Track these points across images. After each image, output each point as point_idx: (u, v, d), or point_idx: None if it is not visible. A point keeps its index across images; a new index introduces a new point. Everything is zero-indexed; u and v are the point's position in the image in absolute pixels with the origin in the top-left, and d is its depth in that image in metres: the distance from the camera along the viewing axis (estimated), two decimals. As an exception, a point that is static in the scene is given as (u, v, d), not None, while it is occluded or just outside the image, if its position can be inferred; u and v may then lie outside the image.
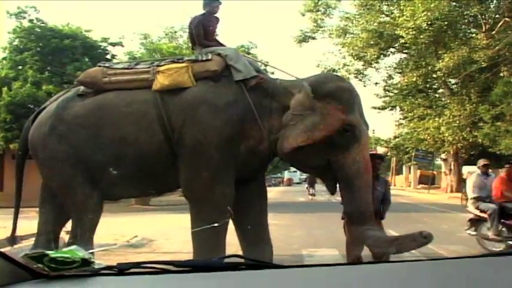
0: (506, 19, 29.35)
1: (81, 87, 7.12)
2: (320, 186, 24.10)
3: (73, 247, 2.03)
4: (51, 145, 6.92)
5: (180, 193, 8.25)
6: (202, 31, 7.39)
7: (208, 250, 6.30)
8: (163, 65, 6.88)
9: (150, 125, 6.67)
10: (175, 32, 39.11)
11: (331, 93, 6.28)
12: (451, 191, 35.75)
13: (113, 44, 29.45)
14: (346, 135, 6.17)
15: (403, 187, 51.77)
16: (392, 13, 34.42)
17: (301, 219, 17.60)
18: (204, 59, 6.91)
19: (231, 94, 6.68)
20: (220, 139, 6.51)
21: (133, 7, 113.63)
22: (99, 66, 7.25)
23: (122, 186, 6.93)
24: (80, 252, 1.96)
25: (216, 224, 6.29)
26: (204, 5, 7.50)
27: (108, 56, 28.73)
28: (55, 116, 6.99)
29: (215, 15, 7.58)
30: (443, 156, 41.38)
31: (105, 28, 75.54)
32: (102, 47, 29.13)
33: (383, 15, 35.50)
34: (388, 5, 34.84)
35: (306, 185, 34.63)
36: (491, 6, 31.37)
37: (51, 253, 1.91)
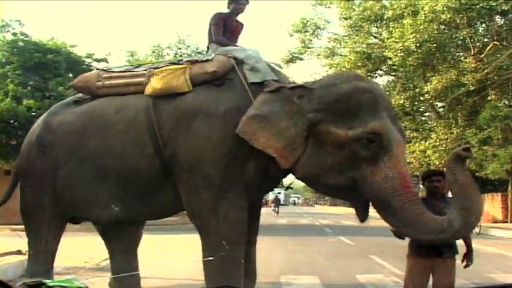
0: (495, 42, 29.35)
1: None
2: (306, 209, 23.69)
3: (69, 277, 2.08)
4: (35, 156, 6.37)
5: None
6: (222, 28, 6.59)
7: (218, 281, 5.46)
8: (162, 67, 6.09)
9: (140, 136, 5.83)
10: (162, 49, 39.07)
11: (345, 96, 5.20)
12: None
13: (98, 60, 29.13)
14: (370, 146, 5.04)
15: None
16: (381, 35, 34.41)
17: (282, 242, 17.20)
18: (204, 59, 6.10)
19: (234, 100, 5.67)
20: (219, 155, 5.57)
21: (120, 24, 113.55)
22: (97, 69, 6.68)
23: (104, 206, 6.12)
24: (77, 282, 2.00)
25: (222, 253, 5.43)
26: (228, 2, 6.76)
27: (93, 73, 28.38)
28: (43, 122, 6.46)
29: (240, 19, 6.87)
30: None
31: (90, 44, 75.42)
32: (86, 63, 28.75)
33: (371, 37, 35.48)
34: (377, 26, 34.80)
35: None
36: (480, 29, 31.39)
37: (49, 282, 1.98)
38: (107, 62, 30.05)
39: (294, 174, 5.64)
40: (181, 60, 6.29)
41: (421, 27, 27.67)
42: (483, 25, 30.99)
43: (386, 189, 4.98)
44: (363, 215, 5.41)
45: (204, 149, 5.62)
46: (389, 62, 30.71)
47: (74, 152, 6.13)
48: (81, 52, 29.27)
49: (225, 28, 6.64)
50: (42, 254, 6.37)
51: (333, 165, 5.22)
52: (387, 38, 30.74)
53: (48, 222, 6.33)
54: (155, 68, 6.09)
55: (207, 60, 6.05)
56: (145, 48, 50.37)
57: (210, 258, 5.48)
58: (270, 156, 5.39)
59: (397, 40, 28.44)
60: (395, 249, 14.86)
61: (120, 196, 6.01)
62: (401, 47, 28.13)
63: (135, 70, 6.35)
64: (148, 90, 5.92)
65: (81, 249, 12.82)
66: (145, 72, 6.10)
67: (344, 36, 36.91)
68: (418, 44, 27.87)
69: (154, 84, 5.90)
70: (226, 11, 6.79)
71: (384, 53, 30.63)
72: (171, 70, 5.95)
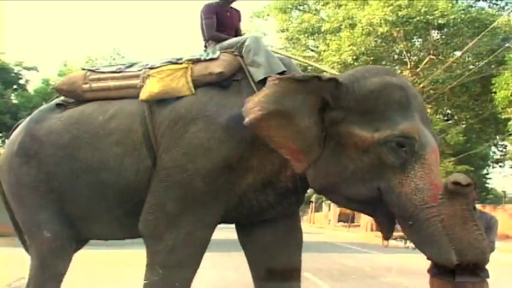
0: (431, 56, 29.68)
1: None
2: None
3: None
4: (18, 167, 5.32)
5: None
6: (215, 20, 5.59)
7: None
8: (158, 66, 5.10)
9: (136, 147, 4.92)
10: (96, 59, 38.52)
11: (374, 93, 4.34)
12: (371, 230, 35.50)
13: (28, 69, 28.08)
14: (400, 151, 4.21)
15: (322, 225, 51.81)
16: (317, 47, 34.24)
17: (213, 260, 16.42)
18: (208, 57, 5.12)
19: (240, 107, 4.59)
20: (214, 166, 4.70)
21: (54, 34, 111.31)
22: (83, 69, 5.66)
23: (102, 224, 5.28)
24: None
25: (170, 276, 4.62)
26: None
27: (22, 81, 27.77)
28: (26, 130, 5.42)
29: (234, 6, 5.89)
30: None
31: (20, 52, 73.68)
32: (15, 71, 27.65)
33: (308, 50, 35.29)
34: (314, 39, 34.66)
35: None
36: (417, 43, 31.62)
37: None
38: (37, 71, 29.26)
39: (309, 184, 4.72)
40: (181, 58, 5.23)
41: (358, 40, 27.72)
42: (420, 39, 31.17)
43: (416, 202, 4.13)
44: (388, 232, 4.58)
45: (196, 159, 4.71)
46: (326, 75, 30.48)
47: (65, 164, 5.18)
48: (10, 60, 28.37)
49: (219, 20, 5.66)
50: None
51: (355, 173, 4.34)
52: (324, 51, 30.61)
53: (49, 242, 5.30)
54: (151, 68, 5.13)
55: (211, 59, 5.11)
56: (79, 58, 49.61)
57: (155, 278, 4.70)
58: (278, 165, 4.69)
59: (334, 53, 28.38)
60: (332, 266, 14.60)
61: (121, 215, 5.14)
62: (338, 60, 28.02)
63: (127, 70, 5.37)
64: (144, 94, 4.99)
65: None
66: (139, 73, 5.16)
67: (281, 48, 36.59)
68: (355, 57, 27.79)
69: (151, 87, 4.98)
70: (217, 0, 5.81)
71: (321, 66, 30.46)
72: (169, 71, 5.01)
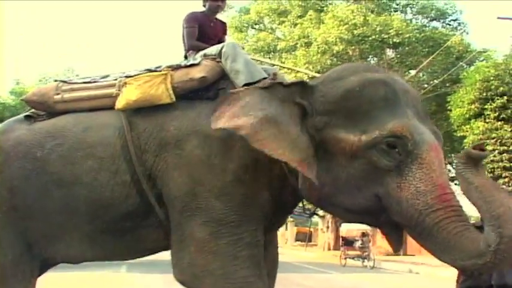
0: (387, 75, 29.72)
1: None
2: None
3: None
4: None
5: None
6: (197, 29, 5.22)
7: None
8: (136, 74, 4.69)
9: (113, 161, 4.50)
10: (50, 77, 38.10)
11: (353, 92, 3.92)
12: (328, 249, 35.42)
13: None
14: (392, 153, 3.77)
15: (280, 244, 51.51)
16: (273, 65, 34.16)
17: (168, 280, 16.00)
18: (189, 63, 4.71)
19: None
20: (223, 183, 4.23)
21: (5, 51, 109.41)
22: (55, 81, 5.21)
23: (71, 244, 4.77)
24: None
25: None
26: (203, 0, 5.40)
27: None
28: None
29: (219, 17, 5.55)
30: (320, 213, 41.15)
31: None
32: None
33: (263, 68, 35.35)
34: (270, 57, 34.62)
35: None
36: (372, 61, 31.79)
37: None
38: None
39: (305, 198, 4.39)
40: (160, 66, 4.82)
41: (313, 58, 27.81)
42: (375, 58, 31.49)
43: (418, 206, 3.63)
44: (397, 244, 4.10)
45: (202, 179, 4.27)
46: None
47: (34, 178, 4.70)
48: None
49: (202, 31, 5.30)
50: None
51: (348, 181, 3.90)
52: (280, 69, 30.53)
53: (10, 267, 4.82)
54: (127, 77, 4.72)
55: (192, 65, 4.67)
56: (32, 76, 49.09)
57: None
58: (281, 180, 4.24)
59: (289, 72, 28.36)
60: (286, 282, 14.37)
61: (93, 232, 4.67)
62: (294, 78, 27.95)
63: (102, 80, 4.96)
64: (120, 103, 4.58)
65: None
66: (115, 82, 4.75)
67: (237, 66, 36.73)
68: (310, 76, 27.73)
69: (128, 95, 4.56)
70: (202, 9, 5.47)
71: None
72: (148, 77, 4.58)
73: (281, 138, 3.94)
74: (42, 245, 4.81)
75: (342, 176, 3.89)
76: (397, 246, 4.06)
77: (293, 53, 29.71)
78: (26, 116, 5.06)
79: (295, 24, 31.47)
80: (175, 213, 4.35)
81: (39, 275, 5.11)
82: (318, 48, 27.60)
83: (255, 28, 35.41)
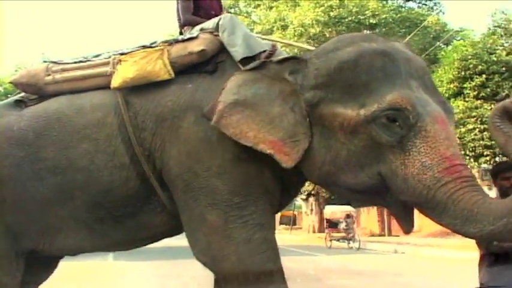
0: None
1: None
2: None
3: None
4: None
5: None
6: (192, 3, 4.97)
7: None
8: (130, 52, 4.47)
9: (110, 142, 4.27)
10: (25, 67, 37.80)
11: (349, 63, 3.66)
12: (313, 231, 35.74)
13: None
14: (393, 127, 3.53)
15: (264, 228, 51.95)
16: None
17: (155, 267, 16.05)
18: (186, 38, 4.49)
19: None
20: (222, 160, 4.02)
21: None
22: (45, 61, 4.87)
23: (67, 234, 4.52)
24: None
25: None
26: None
27: None
28: None
29: None
30: (303, 196, 41.23)
31: None
32: None
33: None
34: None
35: None
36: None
37: None
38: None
39: (306, 177, 4.08)
40: (155, 42, 4.58)
41: (290, 41, 27.67)
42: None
43: (426, 182, 3.38)
44: (407, 224, 3.82)
45: (201, 157, 4.06)
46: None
47: (26, 165, 4.45)
48: None
49: (197, 5, 5.05)
50: None
51: (349, 159, 3.66)
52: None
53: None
54: (122, 54, 4.49)
55: (190, 39, 4.44)
56: (8, 66, 48.49)
57: None
58: None
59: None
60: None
61: (91, 221, 4.43)
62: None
63: (94, 59, 4.68)
64: (116, 81, 4.33)
65: None
66: (108, 60, 4.48)
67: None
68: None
69: (124, 73, 4.34)
70: None
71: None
72: (144, 53, 4.37)
73: (256, 118, 3.83)
74: (34, 238, 4.59)
75: (342, 154, 3.68)
76: (408, 228, 3.80)
77: (269, 36, 29.57)
78: (16, 101, 4.82)
79: (271, 8, 31.43)
80: (179, 192, 4.15)
81: (36, 271, 4.90)
82: (295, 31, 27.61)
83: (230, 12, 35.17)
